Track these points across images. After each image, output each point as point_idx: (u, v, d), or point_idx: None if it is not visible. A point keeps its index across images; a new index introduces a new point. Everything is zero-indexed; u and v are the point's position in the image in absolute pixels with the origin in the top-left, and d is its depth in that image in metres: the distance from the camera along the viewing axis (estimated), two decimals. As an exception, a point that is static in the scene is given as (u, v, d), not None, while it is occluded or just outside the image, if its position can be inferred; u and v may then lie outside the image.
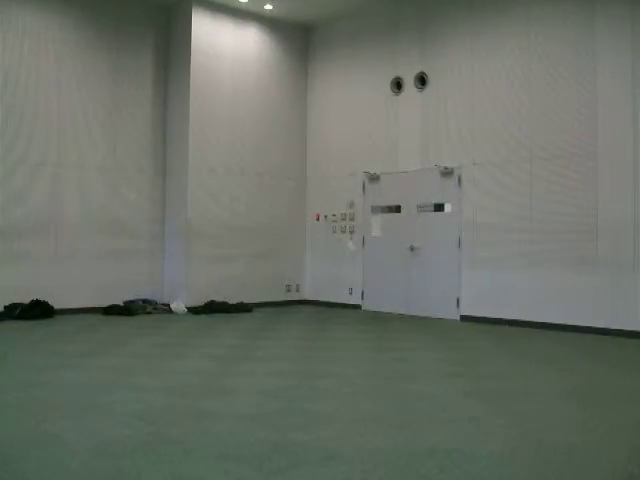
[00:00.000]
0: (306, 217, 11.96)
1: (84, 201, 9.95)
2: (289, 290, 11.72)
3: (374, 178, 10.83)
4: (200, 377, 5.44)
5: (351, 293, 11.07)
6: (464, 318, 9.49)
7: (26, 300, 9.15)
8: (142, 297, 10.38)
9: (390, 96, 10.68)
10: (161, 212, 10.85)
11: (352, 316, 10.10)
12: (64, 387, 5.02)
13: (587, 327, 8.15)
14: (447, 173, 9.80)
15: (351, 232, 11.14)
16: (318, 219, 11.72)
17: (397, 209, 10.49)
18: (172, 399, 4.67)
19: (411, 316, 10.04)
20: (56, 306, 9.35)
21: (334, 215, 11.46)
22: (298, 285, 11.84)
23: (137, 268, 10.45)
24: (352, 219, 11.14)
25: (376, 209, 10.79)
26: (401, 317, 9.95)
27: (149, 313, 10.06)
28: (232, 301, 10.58)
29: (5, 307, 9.04)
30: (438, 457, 3.46)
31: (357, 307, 10.92)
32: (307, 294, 11.90)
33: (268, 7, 10.94)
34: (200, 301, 10.41)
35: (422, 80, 10.23)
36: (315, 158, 11.93)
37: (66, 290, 9.65)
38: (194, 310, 10.27)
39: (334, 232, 11.44)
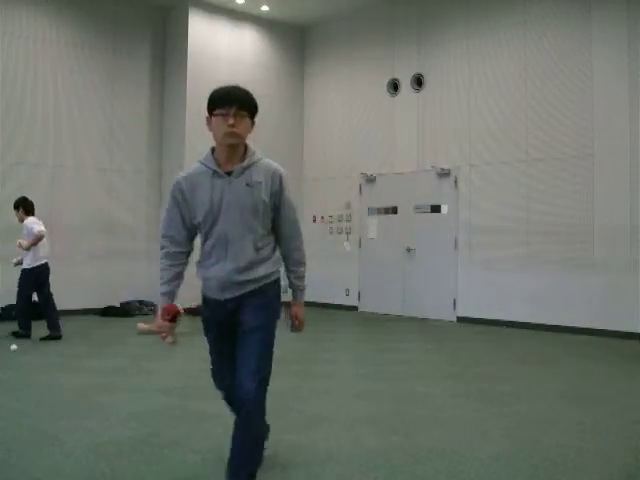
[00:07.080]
0: (303, 218, 11.92)
1: (81, 202, 9.93)
2: (285, 291, 11.65)
3: (371, 179, 10.84)
4: (197, 378, 5.43)
5: (348, 294, 11.07)
6: (461, 319, 9.50)
7: (22, 301, 9.11)
8: (139, 298, 10.35)
9: (387, 97, 10.69)
10: (158, 213, 10.82)
11: (349, 317, 10.10)
12: (61, 388, 5.01)
13: (584, 328, 8.16)
14: (443, 174, 9.82)
15: (347, 233, 11.14)
16: (315, 220, 11.69)
17: (394, 210, 10.50)
18: (170, 400, 4.68)
19: (408, 317, 10.05)
20: (52, 307, 9.30)
21: (330, 216, 11.45)
22: (294, 286, 11.80)
23: (134, 269, 10.41)
24: (349, 220, 11.14)
25: (373, 210, 10.80)
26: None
27: (146, 314, 10.05)
28: (229, 302, 10.54)
29: (2, 309, 9.01)
30: (435, 458, 3.47)
31: (354, 308, 10.91)
32: (303, 295, 11.86)
33: (265, 8, 10.95)
34: (196, 302, 10.36)
35: (418, 81, 10.25)
36: (311, 159, 11.93)
37: (63, 291, 9.57)
38: (190, 311, 10.24)
39: (330, 233, 11.42)
